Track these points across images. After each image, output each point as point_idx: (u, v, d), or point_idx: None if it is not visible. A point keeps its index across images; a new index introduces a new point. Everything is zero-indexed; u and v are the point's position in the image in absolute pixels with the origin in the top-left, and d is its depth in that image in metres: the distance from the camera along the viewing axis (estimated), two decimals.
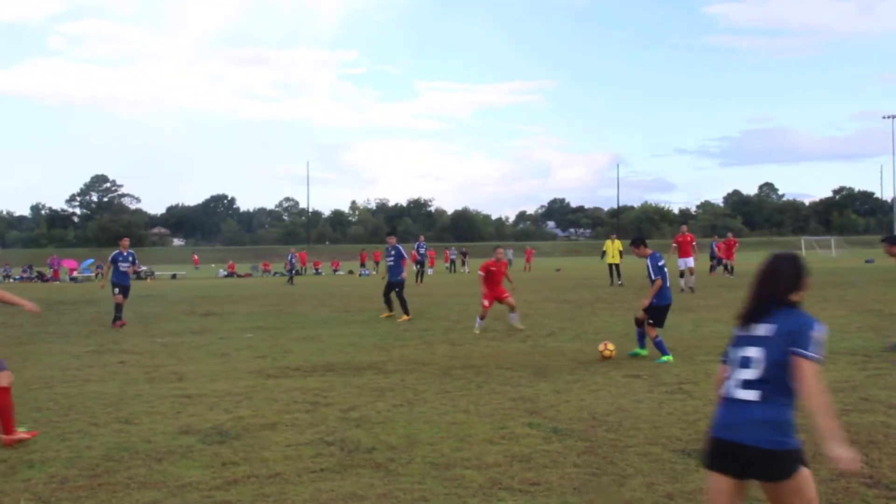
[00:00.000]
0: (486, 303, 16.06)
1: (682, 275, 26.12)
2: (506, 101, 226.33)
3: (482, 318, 16.03)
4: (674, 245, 27.86)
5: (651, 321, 11.75)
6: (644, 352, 12.03)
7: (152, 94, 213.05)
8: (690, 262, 26.67)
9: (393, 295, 19.43)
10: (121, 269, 18.81)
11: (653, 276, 11.94)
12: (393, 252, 19.80)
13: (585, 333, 15.24)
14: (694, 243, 27.45)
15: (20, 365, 12.56)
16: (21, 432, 7.45)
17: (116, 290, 18.58)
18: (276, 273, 62.56)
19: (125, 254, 18.92)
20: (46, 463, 6.71)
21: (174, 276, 60.32)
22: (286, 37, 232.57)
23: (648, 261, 12.09)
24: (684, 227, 29.29)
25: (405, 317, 18.62)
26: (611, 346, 11.78)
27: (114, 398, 9.57)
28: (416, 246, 37.23)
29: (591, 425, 7.74)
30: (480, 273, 16.55)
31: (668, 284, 12.02)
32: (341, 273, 59.51)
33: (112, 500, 5.73)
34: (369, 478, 6.16)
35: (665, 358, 11.50)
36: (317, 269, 63.96)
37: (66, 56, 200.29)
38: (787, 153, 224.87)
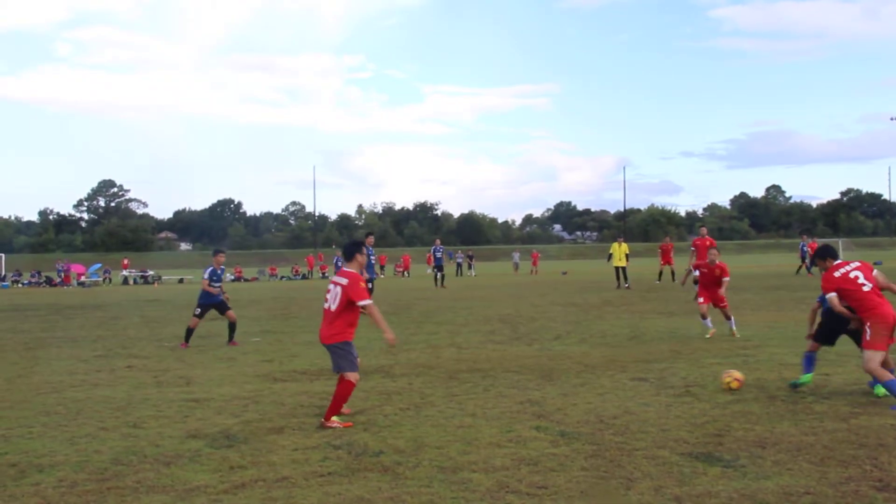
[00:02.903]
0: None
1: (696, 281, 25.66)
2: (511, 104, 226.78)
3: None
4: (692, 248, 26.98)
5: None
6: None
7: (159, 99, 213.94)
8: None
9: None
10: (213, 287, 15.98)
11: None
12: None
13: (592, 337, 15.23)
14: (714, 247, 26.53)
15: (29, 369, 12.63)
16: None
17: (198, 310, 15.83)
18: (282, 277, 62.66)
19: (219, 271, 16.26)
20: (56, 467, 6.73)
21: (181, 281, 60.42)
22: (292, 42, 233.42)
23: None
24: (703, 230, 28.20)
25: None
26: (737, 375, 9.51)
27: (122, 402, 9.60)
28: (432, 250, 37.17)
29: (598, 428, 7.73)
30: None
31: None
32: None
33: None
34: (377, 481, 6.16)
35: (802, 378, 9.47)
36: (323, 273, 64.02)
37: (73, 62, 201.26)
38: (793, 155, 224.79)
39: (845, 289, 8.84)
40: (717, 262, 15.25)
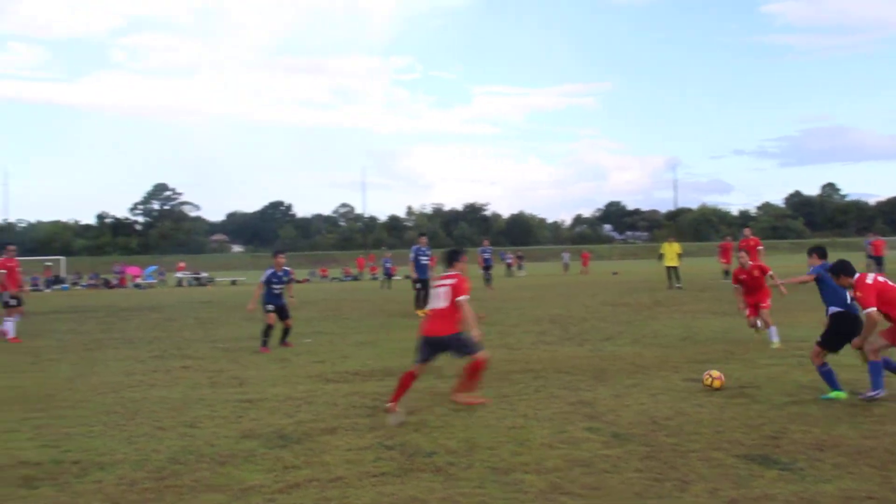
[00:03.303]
0: None
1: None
2: (560, 104, 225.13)
3: None
4: (739, 252, 25.75)
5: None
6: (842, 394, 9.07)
7: (211, 103, 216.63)
8: None
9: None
10: (275, 291, 15.51)
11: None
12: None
13: (644, 337, 15.09)
14: (760, 247, 25.49)
15: (88, 370, 12.91)
16: None
17: (270, 306, 15.34)
18: (333, 278, 63.15)
19: (280, 273, 15.65)
20: (116, 465, 6.87)
21: (234, 283, 61.21)
22: (340, 45, 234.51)
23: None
24: (747, 231, 27.43)
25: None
26: (714, 374, 9.58)
27: (178, 402, 9.77)
28: (480, 251, 37.00)
29: (651, 430, 7.67)
30: None
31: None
32: (398, 278, 59.82)
33: (179, 503, 5.84)
34: (429, 482, 6.18)
35: (833, 394, 9.03)
36: (374, 275, 64.36)
37: (127, 68, 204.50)
38: (849, 152, 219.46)
39: (886, 293, 8.66)
40: (751, 264, 14.31)
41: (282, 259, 15.83)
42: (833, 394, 8.97)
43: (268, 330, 15.06)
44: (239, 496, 5.96)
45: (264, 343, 14.95)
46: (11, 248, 18.87)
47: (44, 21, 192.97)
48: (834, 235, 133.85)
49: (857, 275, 8.87)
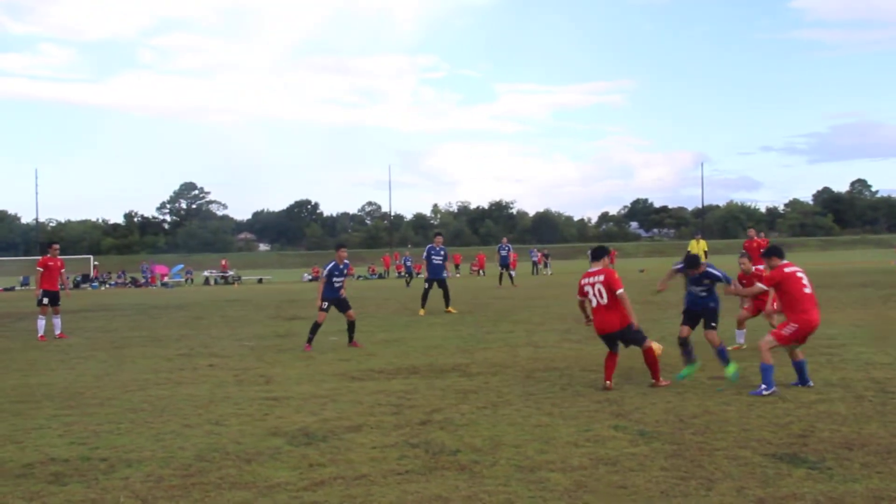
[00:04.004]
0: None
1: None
2: (586, 101, 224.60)
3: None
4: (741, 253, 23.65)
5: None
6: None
7: (237, 103, 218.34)
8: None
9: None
10: (335, 284, 15.40)
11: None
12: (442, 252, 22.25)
13: (671, 335, 14.94)
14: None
15: (116, 367, 13.03)
16: None
17: (325, 304, 15.21)
18: (359, 277, 63.32)
19: (342, 266, 15.62)
20: (143, 462, 6.93)
21: (260, 281, 61.58)
22: (366, 44, 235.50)
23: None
24: (752, 231, 25.03)
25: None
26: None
27: (204, 400, 9.83)
28: (497, 248, 36.96)
29: (677, 428, 7.62)
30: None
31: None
32: (422, 276, 59.88)
33: (205, 500, 5.88)
34: (454, 480, 6.18)
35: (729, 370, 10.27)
36: (399, 273, 64.47)
37: (156, 69, 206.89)
38: (880, 148, 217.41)
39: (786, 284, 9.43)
40: (754, 270, 13.88)
41: (343, 253, 15.79)
42: (728, 369, 10.27)
43: (316, 328, 15.06)
44: (264, 493, 5.99)
45: (309, 340, 14.93)
46: (55, 247, 19.05)
47: (74, 23, 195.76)
48: (864, 232, 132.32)
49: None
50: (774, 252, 9.95)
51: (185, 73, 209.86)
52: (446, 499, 5.74)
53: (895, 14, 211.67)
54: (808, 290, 9.42)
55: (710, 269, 10.90)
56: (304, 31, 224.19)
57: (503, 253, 36.43)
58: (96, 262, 64.63)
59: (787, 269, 9.49)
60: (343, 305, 15.41)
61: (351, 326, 15.39)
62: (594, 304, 9.91)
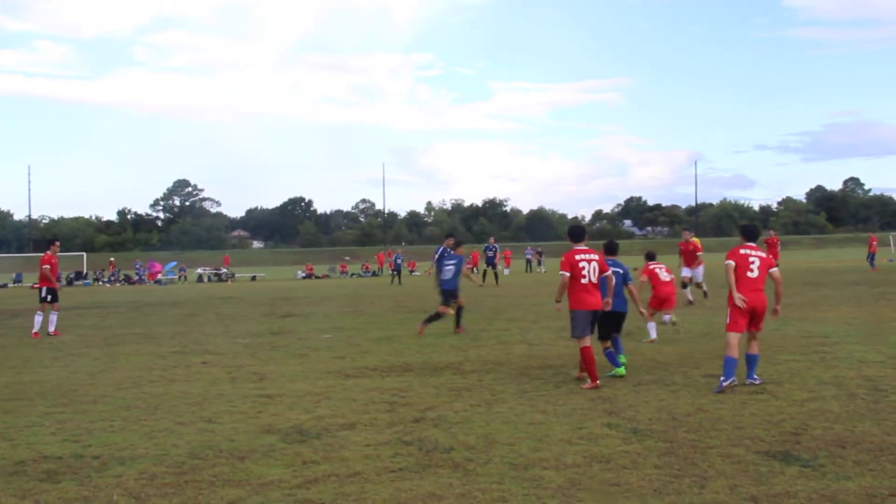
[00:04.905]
0: None
1: (684, 285, 21.59)
2: (581, 99, 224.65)
3: None
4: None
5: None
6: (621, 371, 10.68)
7: (232, 101, 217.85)
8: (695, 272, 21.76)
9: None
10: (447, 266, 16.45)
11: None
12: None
13: (664, 333, 15.01)
14: (699, 253, 22.06)
15: (109, 365, 13.01)
16: None
17: (443, 297, 16.35)
18: (353, 274, 63.30)
19: (450, 249, 16.71)
20: (136, 460, 6.91)
21: (254, 278, 61.51)
22: (363, 42, 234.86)
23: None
24: (687, 234, 23.23)
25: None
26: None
27: (198, 398, 9.82)
28: (484, 248, 37.21)
29: (671, 426, 7.63)
30: None
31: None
32: (417, 273, 59.86)
33: (198, 497, 5.87)
34: (448, 478, 6.18)
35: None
36: (393, 270, 64.51)
37: (151, 66, 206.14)
38: (873, 147, 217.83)
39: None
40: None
41: (451, 241, 16.97)
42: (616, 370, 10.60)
43: (437, 318, 16.11)
44: (258, 491, 5.98)
45: (427, 321, 16.19)
46: (57, 244, 19.09)
47: (69, 20, 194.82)
48: (857, 230, 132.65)
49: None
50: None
51: (181, 70, 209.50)
52: (440, 496, 5.74)
53: (890, 13, 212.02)
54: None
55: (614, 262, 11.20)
56: (300, 29, 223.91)
57: (490, 253, 36.82)
58: (112, 258, 64.93)
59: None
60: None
61: (459, 312, 16.27)
62: (586, 281, 10.04)
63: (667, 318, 15.18)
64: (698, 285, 21.95)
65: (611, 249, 11.52)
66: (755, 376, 9.66)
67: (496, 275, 36.98)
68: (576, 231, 10.48)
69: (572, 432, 7.48)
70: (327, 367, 12.05)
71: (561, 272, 10.13)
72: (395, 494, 5.80)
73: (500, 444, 7.15)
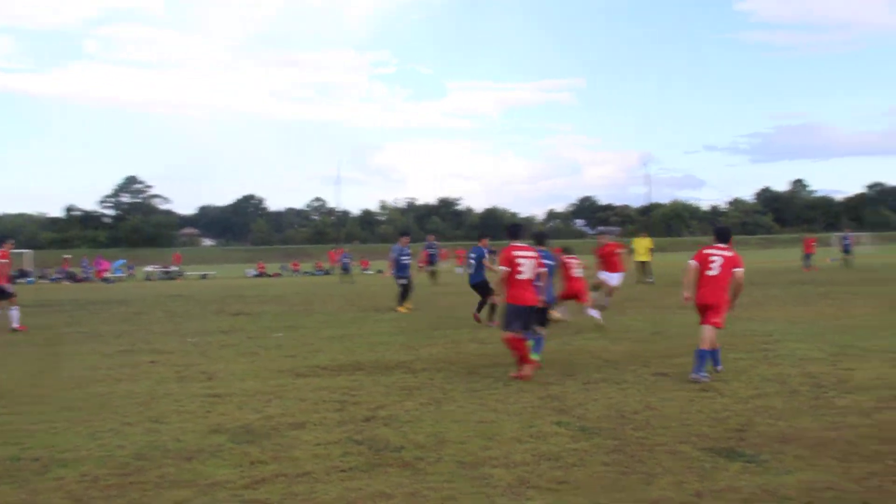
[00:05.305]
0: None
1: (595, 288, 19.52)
2: (536, 99, 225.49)
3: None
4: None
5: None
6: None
7: (184, 95, 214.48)
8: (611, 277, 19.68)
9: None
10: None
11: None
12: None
13: (613, 332, 15.17)
14: (623, 249, 21.18)
15: (53, 365, 12.74)
16: None
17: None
18: (305, 273, 62.91)
19: (485, 250, 18.32)
20: (78, 461, 6.79)
21: (204, 276, 60.80)
22: (317, 38, 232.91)
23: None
24: (602, 239, 21.00)
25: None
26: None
27: (144, 397, 9.67)
28: (425, 246, 37.08)
29: (619, 423, 7.71)
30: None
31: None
32: (370, 272, 59.69)
33: (143, 499, 5.79)
34: (397, 476, 6.17)
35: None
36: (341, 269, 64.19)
37: (101, 59, 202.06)
38: (819, 149, 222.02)
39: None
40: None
41: (486, 241, 18.56)
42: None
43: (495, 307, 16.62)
44: (205, 491, 5.91)
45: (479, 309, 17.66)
46: (11, 241, 18.72)
47: (17, 11, 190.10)
48: (802, 231, 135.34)
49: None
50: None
51: (132, 64, 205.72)
52: (389, 495, 5.73)
53: (836, 19, 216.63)
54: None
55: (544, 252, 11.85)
56: (254, 23, 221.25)
57: (431, 251, 36.65)
58: (68, 256, 63.57)
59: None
60: (489, 289, 17.35)
61: (493, 308, 16.93)
62: (522, 277, 10.40)
63: (593, 312, 15.88)
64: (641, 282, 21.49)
65: (540, 240, 12.25)
66: (702, 372, 9.88)
67: (435, 273, 36.80)
68: (514, 228, 11.02)
69: (522, 430, 7.52)
70: (278, 366, 11.95)
71: (499, 267, 10.55)
72: (345, 494, 5.78)
73: (450, 442, 7.16)
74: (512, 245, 10.63)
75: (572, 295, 15.64)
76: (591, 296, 17.96)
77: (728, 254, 10.23)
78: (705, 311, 10.14)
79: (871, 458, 6.32)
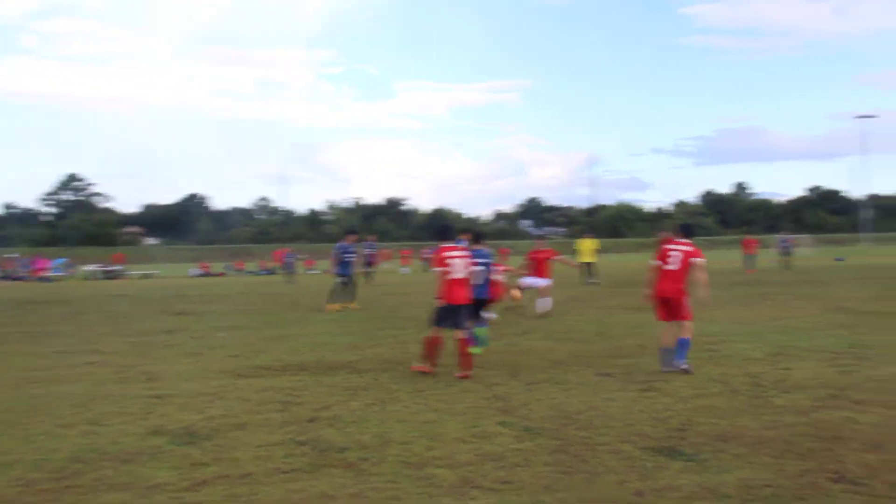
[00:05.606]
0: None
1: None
2: (483, 100, 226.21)
3: None
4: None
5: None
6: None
7: (128, 92, 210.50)
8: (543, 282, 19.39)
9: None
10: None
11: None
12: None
13: (557, 332, 15.28)
14: (556, 258, 20.37)
15: None
16: None
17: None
18: (249, 272, 62.28)
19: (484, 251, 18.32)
20: (11, 465, 6.61)
21: (147, 276, 59.82)
22: (265, 36, 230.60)
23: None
24: (539, 243, 20.56)
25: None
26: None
27: (82, 399, 9.46)
28: (364, 246, 36.91)
29: (562, 424, 7.75)
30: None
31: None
32: (315, 272, 59.31)
33: (78, 503, 5.65)
34: (341, 477, 6.13)
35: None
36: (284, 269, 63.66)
37: (40, 54, 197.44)
38: (760, 152, 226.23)
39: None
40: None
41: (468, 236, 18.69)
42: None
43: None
44: (143, 494, 5.81)
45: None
46: None
47: None
48: (743, 233, 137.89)
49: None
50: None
51: (73, 59, 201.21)
52: (332, 497, 5.69)
53: (779, 24, 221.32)
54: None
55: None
56: (199, 20, 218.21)
57: (367, 251, 36.44)
58: (13, 255, 61.85)
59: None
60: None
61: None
62: (456, 276, 10.69)
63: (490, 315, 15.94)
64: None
65: (477, 239, 13.27)
66: (682, 361, 10.48)
67: (372, 274, 36.60)
68: (443, 229, 11.34)
69: (466, 431, 7.53)
70: (221, 367, 11.79)
71: (435, 269, 10.77)
72: (287, 495, 5.73)
73: (395, 442, 7.14)
74: (443, 246, 10.86)
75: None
76: (511, 296, 18.61)
77: (687, 248, 10.67)
78: (665, 305, 10.62)
79: (806, 455, 6.45)
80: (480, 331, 12.78)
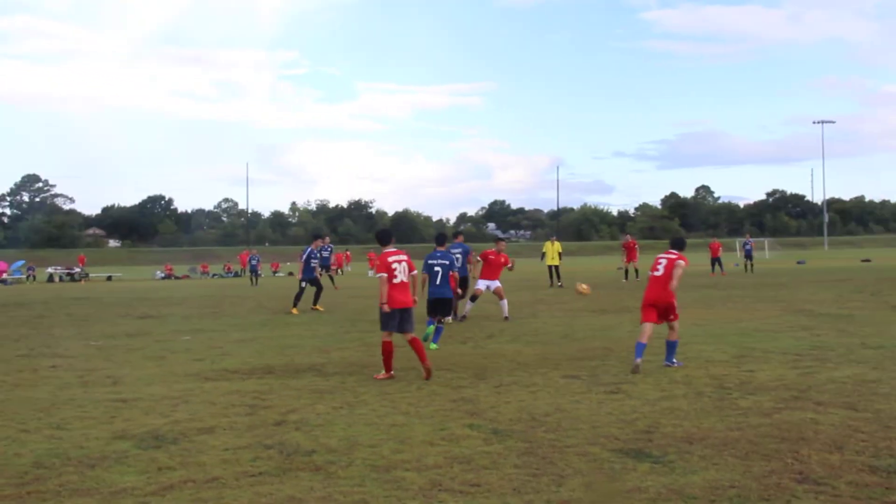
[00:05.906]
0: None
1: (473, 299, 19.39)
2: (446, 102, 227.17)
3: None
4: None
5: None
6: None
7: (88, 92, 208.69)
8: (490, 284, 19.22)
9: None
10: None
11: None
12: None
13: (525, 335, 15.35)
14: (509, 265, 19.86)
15: None
16: None
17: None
18: (214, 275, 61.78)
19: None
20: None
21: (109, 278, 59.11)
22: (226, 37, 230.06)
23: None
24: (502, 245, 20.19)
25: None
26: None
27: (45, 403, 9.32)
28: (319, 249, 36.63)
29: (530, 426, 7.78)
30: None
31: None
32: (281, 275, 58.98)
33: None
34: (308, 481, 6.10)
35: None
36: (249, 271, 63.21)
37: None
38: (722, 156, 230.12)
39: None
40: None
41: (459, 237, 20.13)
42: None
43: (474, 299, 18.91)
44: (108, 499, 5.73)
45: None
46: None
47: None
48: (707, 236, 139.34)
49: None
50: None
51: (32, 58, 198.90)
52: (300, 500, 5.66)
53: (737, 30, 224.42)
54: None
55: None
56: (161, 20, 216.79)
57: (324, 254, 36.19)
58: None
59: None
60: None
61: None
62: (398, 280, 10.76)
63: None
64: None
65: (441, 241, 14.66)
66: (673, 360, 11.27)
67: (331, 277, 36.42)
68: (383, 235, 11.38)
69: (434, 433, 7.53)
70: (186, 370, 11.70)
71: (378, 274, 10.73)
72: (254, 499, 5.69)
73: (362, 446, 7.12)
74: (385, 251, 10.96)
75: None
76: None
77: (673, 257, 11.37)
78: (653, 309, 11.18)
79: (771, 456, 6.54)
80: (429, 329, 13.69)
